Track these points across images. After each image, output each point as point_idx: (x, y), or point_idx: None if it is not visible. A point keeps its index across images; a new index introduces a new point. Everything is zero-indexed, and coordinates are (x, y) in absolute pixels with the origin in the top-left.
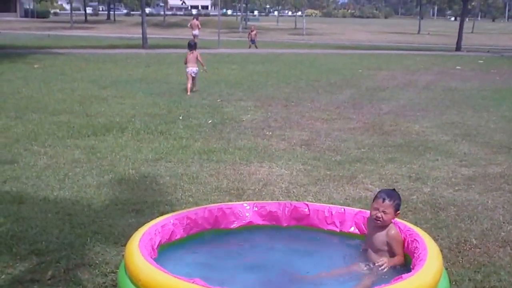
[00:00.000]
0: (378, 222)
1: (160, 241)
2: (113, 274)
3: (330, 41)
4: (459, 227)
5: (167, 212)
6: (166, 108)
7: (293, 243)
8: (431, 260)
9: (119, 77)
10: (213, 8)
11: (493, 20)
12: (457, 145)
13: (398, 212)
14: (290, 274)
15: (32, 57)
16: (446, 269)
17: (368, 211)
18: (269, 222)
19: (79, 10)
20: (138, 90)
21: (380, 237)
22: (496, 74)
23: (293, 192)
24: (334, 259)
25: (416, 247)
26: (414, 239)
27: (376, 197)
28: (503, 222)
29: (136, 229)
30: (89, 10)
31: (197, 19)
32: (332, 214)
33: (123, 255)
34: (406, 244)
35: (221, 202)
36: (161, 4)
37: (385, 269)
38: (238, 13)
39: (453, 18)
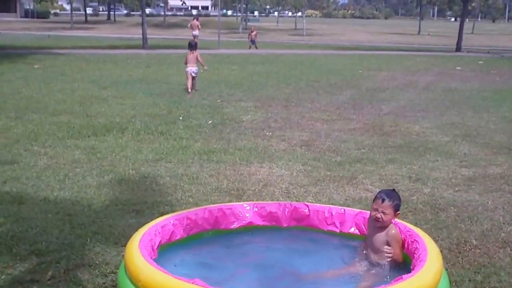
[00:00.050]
0: (378, 222)
1: (160, 241)
2: (113, 275)
3: (330, 41)
4: (459, 228)
5: (167, 213)
6: (166, 108)
7: (293, 244)
8: (431, 260)
9: (119, 78)
10: (213, 8)
11: (493, 21)
12: (457, 146)
13: (398, 212)
14: (290, 274)
15: (32, 58)
16: (446, 269)
17: (368, 212)
18: (269, 222)
19: (79, 10)
20: (138, 91)
21: (380, 237)
22: (496, 75)
23: (293, 192)
24: (334, 259)
25: (416, 247)
26: (414, 239)
27: (375, 198)
28: (503, 223)
29: (136, 229)
30: (89, 10)
31: (197, 20)
32: (332, 215)
33: (123, 256)
34: (406, 245)
35: (221, 203)
36: (161, 4)
37: (389, 259)
38: (238, 14)
39: (453, 19)
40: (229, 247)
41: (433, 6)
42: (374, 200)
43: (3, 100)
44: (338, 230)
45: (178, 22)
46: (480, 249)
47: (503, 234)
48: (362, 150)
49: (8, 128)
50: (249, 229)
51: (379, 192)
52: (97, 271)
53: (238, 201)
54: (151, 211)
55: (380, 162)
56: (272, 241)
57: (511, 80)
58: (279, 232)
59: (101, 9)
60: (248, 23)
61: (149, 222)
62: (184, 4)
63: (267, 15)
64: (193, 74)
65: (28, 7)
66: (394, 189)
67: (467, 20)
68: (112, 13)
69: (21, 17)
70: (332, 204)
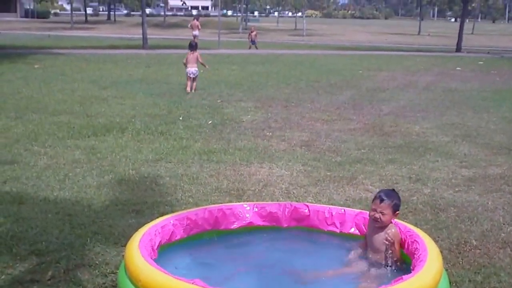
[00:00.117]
0: (377, 223)
1: (160, 241)
2: (113, 275)
3: (330, 42)
4: (459, 228)
5: (167, 213)
6: (166, 108)
7: (293, 244)
8: (431, 261)
9: (119, 78)
10: (213, 8)
11: (493, 21)
12: (457, 146)
13: (397, 212)
14: (290, 274)
15: (32, 58)
16: (446, 270)
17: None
18: (269, 223)
19: (80, 10)
20: (138, 91)
21: (380, 237)
22: (496, 75)
23: (293, 193)
24: (334, 259)
25: (416, 248)
26: (414, 240)
27: (374, 198)
28: (503, 223)
29: (136, 229)
30: (89, 10)
31: (197, 20)
32: (332, 215)
33: (123, 256)
34: (406, 245)
35: (221, 203)
36: (162, 4)
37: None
38: (238, 14)
39: (453, 19)
40: (229, 247)
41: (433, 7)
42: (373, 200)
43: (3, 100)
44: (338, 231)
45: (178, 22)
46: (480, 249)
47: (503, 235)
48: (362, 151)
49: (8, 128)
50: (249, 229)
51: (378, 192)
52: (97, 271)
53: (238, 201)
54: (151, 211)
55: (380, 163)
56: (272, 241)
57: (511, 80)
58: (279, 233)
59: (101, 9)
60: (248, 23)
61: (149, 222)
62: (184, 4)
63: (267, 15)
64: (192, 75)
65: (28, 7)
66: (393, 189)
67: (467, 20)
68: (112, 13)
69: (21, 17)
70: (332, 204)
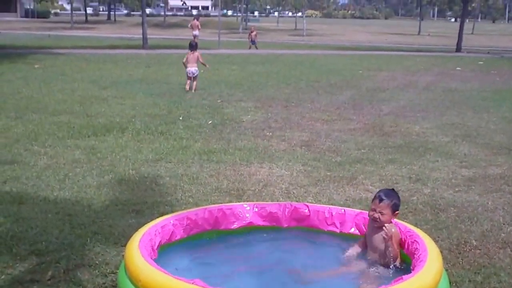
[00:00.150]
0: (376, 222)
1: (160, 241)
2: (113, 275)
3: (330, 42)
4: (459, 228)
5: (167, 213)
6: (166, 108)
7: (293, 244)
8: (431, 261)
9: (119, 78)
10: (213, 8)
11: (493, 22)
12: (457, 146)
13: (397, 212)
14: (290, 274)
15: (32, 57)
16: (446, 270)
17: None
18: (269, 223)
19: (80, 10)
20: (139, 91)
21: (379, 237)
22: (496, 75)
23: (293, 193)
24: (334, 259)
25: (416, 248)
26: (414, 240)
27: (374, 198)
28: (503, 224)
29: (136, 229)
30: (89, 10)
31: (197, 20)
32: (332, 215)
33: (123, 256)
34: (406, 245)
35: (221, 203)
36: (162, 4)
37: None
38: (239, 14)
39: (453, 19)
40: (229, 247)
41: (433, 7)
42: (372, 200)
43: (3, 100)
44: (338, 231)
45: (178, 22)
46: (480, 249)
47: (503, 235)
48: (362, 151)
49: (8, 128)
50: (249, 230)
51: (378, 191)
52: (97, 271)
53: (238, 201)
54: (151, 211)
55: (380, 163)
56: (272, 241)
57: (511, 80)
58: (279, 233)
59: (101, 9)
60: (248, 23)
61: (149, 222)
62: (184, 4)
63: (267, 15)
64: (191, 75)
65: (28, 7)
66: (393, 189)
67: (467, 20)
68: (112, 13)
69: (21, 17)
70: (332, 204)
